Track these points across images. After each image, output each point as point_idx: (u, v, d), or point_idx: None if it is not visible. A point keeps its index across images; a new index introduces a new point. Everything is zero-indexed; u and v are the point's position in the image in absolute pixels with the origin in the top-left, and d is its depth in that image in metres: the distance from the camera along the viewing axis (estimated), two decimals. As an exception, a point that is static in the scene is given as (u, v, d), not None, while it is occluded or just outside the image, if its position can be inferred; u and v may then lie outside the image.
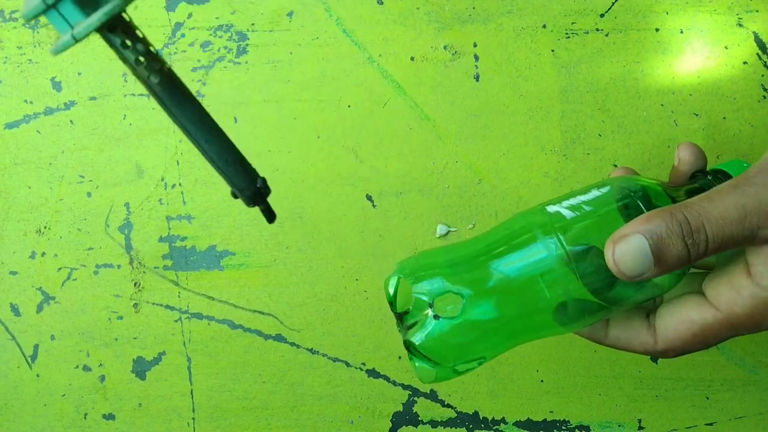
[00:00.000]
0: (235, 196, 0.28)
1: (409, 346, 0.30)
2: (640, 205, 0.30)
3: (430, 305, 0.29)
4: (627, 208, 0.31)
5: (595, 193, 0.32)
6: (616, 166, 0.45)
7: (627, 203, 0.31)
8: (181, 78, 0.25)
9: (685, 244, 0.27)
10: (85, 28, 0.22)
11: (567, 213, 0.31)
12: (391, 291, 0.31)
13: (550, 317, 0.30)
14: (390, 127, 0.46)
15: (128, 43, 0.24)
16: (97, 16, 0.22)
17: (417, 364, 0.30)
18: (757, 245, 0.27)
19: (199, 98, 0.47)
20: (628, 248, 0.27)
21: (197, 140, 0.26)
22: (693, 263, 0.28)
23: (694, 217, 0.27)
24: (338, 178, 0.47)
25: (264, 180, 0.27)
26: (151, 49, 0.24)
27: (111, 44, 0.24)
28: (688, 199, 0.28)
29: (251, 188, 0.27)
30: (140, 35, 0.24)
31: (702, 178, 0.34)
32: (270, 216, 0.28)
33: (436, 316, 0.29)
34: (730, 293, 0.28)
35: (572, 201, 0.32)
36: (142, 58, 0.24)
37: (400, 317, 0.31)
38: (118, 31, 0.23)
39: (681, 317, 0.30)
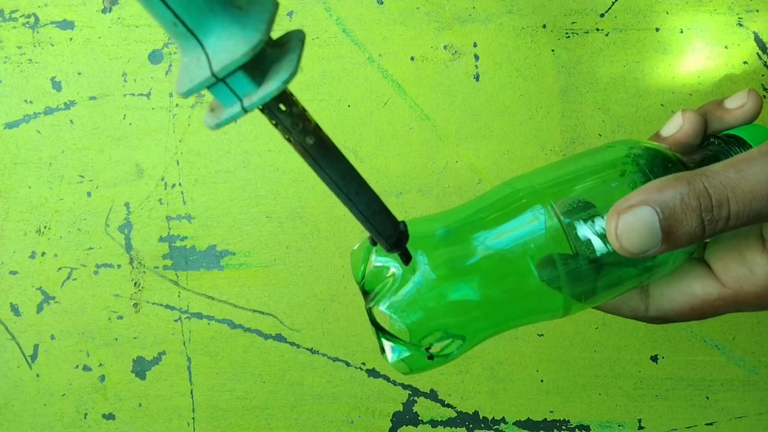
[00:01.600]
0: (374, 243, 0.26)
1: (373, 319, 0.27)
2: (647, 171, 0.27)
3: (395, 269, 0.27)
4: (632, 174, 0.27)
5: (595, 156, 0.28)
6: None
7: (632, 168, 0.27)
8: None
9: (702, 220, 0.23)
10: (260, 99, 0.20)
11: (562, 178, 0.27)
12: (360, 266, 0.29)
13: (533, 284, 0.27)
14: (390, 127, 0.46)
15: (282, 107, 0.21)
16: (275, 85, 0.20)
17: (385, 343, 0.27)
18: None
19: (199, 98, 0.47)
20: (634, 221, 0.23)
21: (347, 194, 0.24)
22: (704, 240, 0.24)
23: (716, 190, 0.23)
24: (338, 178, 0.46)
25: (404, 223, 0.25)
26: (302, 108, 0.22)
27: (266, 109, 0.21)
28: (708, 167, 0.24)
29: (396, 234, 0.25)
30: (292, 96, 0.22)
31: (716, 145, 0.29)
32: (408, 259, 0.26)
33: (402, 278, 0.26)
34: (741, 269, 0.26)
35: (570, 165, 0.28)
36: (298, 121, 0.21)
37: (366, 293, 0.28)
38: None
39: (681, 288, 0.28)
